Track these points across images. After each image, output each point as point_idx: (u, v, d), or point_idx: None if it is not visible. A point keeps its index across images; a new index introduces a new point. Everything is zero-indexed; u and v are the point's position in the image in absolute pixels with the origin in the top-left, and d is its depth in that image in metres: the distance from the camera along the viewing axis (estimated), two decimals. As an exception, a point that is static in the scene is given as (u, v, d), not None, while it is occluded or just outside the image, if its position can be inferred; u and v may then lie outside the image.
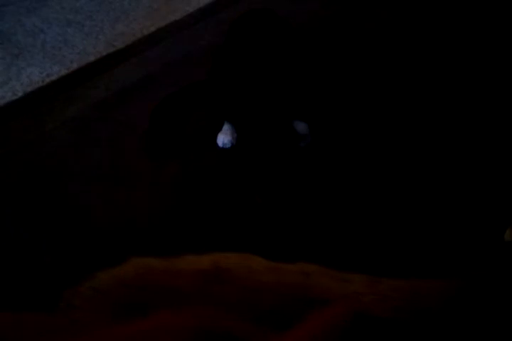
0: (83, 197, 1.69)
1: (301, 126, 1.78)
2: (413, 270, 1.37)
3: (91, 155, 1.80)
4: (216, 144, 1.81)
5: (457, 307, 0.83)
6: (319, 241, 1.53)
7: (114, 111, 1.92)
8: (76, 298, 0.90)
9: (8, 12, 2.23)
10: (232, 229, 1.58)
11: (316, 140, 1.80)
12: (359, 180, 1.70)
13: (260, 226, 1.59)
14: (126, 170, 1.76)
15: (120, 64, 2.08)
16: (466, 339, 0.79)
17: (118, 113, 1.91)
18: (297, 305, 0.83)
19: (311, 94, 1.75)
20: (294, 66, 1.63)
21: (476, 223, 1.55)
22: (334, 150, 1.79)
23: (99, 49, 2.11)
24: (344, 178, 1.71)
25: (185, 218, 1.62)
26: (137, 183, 1.72)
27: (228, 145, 1.80)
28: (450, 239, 1.51)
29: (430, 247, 1.50)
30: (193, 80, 1.91)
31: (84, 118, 1.90)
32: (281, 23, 1.63)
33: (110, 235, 1.56)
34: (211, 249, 0.96)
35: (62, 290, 0.92)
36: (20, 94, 1.95)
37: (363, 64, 2.09)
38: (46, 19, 2.20)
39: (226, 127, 1.81)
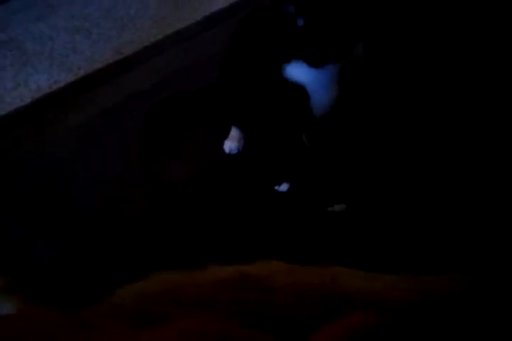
0: (89, 203, 1.69)
1: None
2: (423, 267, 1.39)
3: (98, 162, 1.81)
4: (222, 150, 1.82)
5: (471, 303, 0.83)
6: (335, 242, 1.55)
7: (121, 119, 1.93)
8: (96, 316, 0.88)
9: (17, 19, 2.25)
10: (247, 235, 1.59)
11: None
12: (363, 178, 1.73)
13: (275, 231, 1.60)
14: (133, 177, 1.77)
15: (128, 71, 2.09)
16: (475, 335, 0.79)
17: (125, 120, 1.91)
18: (328, 308, 0.83)
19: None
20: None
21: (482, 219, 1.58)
22: (338, 151, 1.81)
23: (107, 56, 2.12)
24: (350, 178, 1.73)
25: (198, 226, 1.63)
26: (145, 191, 1.73)
27: (235, 151, 1.81)
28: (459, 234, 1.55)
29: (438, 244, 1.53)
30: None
31: (91, 125, 1.90)
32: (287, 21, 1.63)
33: (125, 248, 1.57)
34: (232, 258, 0.96)
35: (80, 308, 0.90)
36: (28, 100, 1.97)
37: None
38: (54, 26, 2.22)
39: (233, 133, 1.82)
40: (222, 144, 1.82)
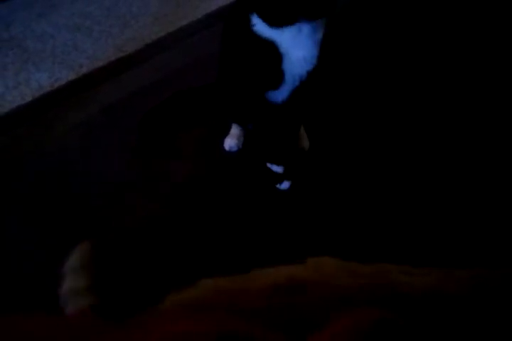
0: (90, 203, 1.69)
1: None
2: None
3: (98, 161, 1.80)
4: (223, 148, 1.82)
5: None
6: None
7: (123, 117, 1.92)
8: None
9: (18, 18, 2.25)
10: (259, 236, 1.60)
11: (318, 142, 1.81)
12: (363, 179, 1.73)
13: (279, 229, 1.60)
14: (133, 176, 1.77)
15: (129, 69, 2.09)
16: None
17: (127, 118, 1.91)
18: (386, 307, 0.82)
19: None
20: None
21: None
22: (337, 151, 1.80)
23: (109, 54, 2.12)
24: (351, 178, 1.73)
25: (202, 227, 1.63)
26: (148, 190, 1.73)
27: (235, 149, 1.81)
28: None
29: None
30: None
31: (92, 123, 1.90)
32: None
33: (127, 249, 1.56)
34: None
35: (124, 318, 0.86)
36: (29, 98, 1.96)
37: (362, 64, 2.10)
38: (56, 24, 2.22)
39: (233, 131, 1.82)
40: (222, 142, 1.82)
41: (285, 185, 1.69)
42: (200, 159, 1.80)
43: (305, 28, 1.38)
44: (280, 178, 1.70)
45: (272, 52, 1.43)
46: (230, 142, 1.80)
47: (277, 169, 1.72)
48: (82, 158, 1.80)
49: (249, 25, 1.41)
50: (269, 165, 1.73)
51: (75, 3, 2.30)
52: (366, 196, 1.69)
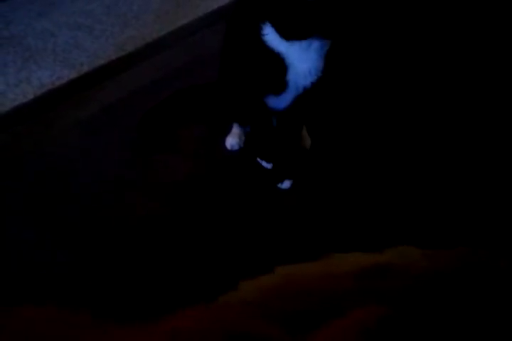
0: (90, 202, 1.69)
1: None
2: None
3: (98, 160, 1.80)
4: (224, 146, 1.82)
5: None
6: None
7: (123, 115, 1.92)
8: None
9: (19, 16, 2.24)
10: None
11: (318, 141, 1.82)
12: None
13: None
14: (133, 175, 1.76)
15: (130, 68, 2.09)
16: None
17: (127, 117, 1.91)
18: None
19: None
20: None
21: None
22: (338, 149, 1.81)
23: (109, 53, 2.11)
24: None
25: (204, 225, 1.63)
26: (148, 189, 1.73)
27: (236, 148, 1.81)
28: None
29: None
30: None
31: (93, 121, 1.90)
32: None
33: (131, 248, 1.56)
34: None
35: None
36: (30, 96, 1.96)
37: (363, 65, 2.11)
38: (56, 23, 2.22)
39: (234, 130, 1.82)
40: (223, 141, 1.82)
41: (286, 184, 1.69)
42: (201, 158, 1.81)
43: (315, 43, 1.40)
44: (278, 177, 1.70)
45: (278, 63, 1.45)
46: (232, 141, 1.81)
47: (267, 165, 1.73)
48: (82, 156, 1.80)
49: (258, 33, 1.42)
50: (259, 160, 1.74)
51: (76, 2, 2.30)
52: (368, 193, 1.70)
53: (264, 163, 1.74)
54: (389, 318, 0.77)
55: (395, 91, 2.02)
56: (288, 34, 1.36)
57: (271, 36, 1.41)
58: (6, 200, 1.67)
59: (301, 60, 1.45)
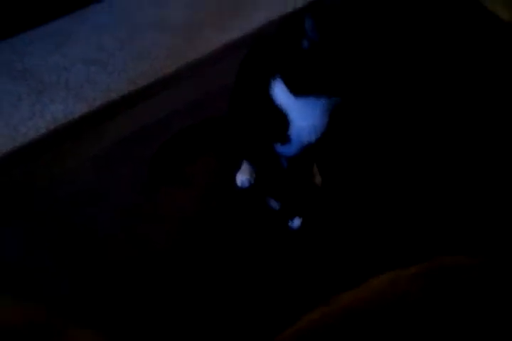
0: (102, 233, 1.71)
1: None
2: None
3: (114, 193, 1.82)
4: (234, 183, 1.83)
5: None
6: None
7: (136, 149, 1.94)
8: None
9: (33, 50, 2.28)
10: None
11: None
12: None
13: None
14: (150, 207, 1.79)
15: (143, 101, 2.11)
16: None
17: (141, 150, 1.92)
18: None
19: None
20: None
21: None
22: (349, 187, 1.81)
23: (122, 87, 2.14)
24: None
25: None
26: (163, 221, 1.75)
27: (246, 185, 1.82)
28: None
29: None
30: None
31: (106, 155, 1.92)
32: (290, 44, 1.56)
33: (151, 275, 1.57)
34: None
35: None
36: (43, 131, 1.99)
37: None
38: (70, 57, 2.25)
39: (244, 166, 1.83)
40: (234, 177, 1.83)
41: (296, 223, 1.70)
42: (211, 192, 1.82)
43: (322, 101, 1.40)
44: (288, 214, 1.71)
45: (281, 118, 1.45)
46: (242, 178, 1.82)
47: (274, 205, 1.74)
48: (93, 191, 1.82)
49: (267, 84, 1.42)
50: (267, 199, 1.76)
51: (89, 37, 2.33)
52: (380, 231, 1.70)
53: (272, 203, 1.75)
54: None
55: (404, 131, 2.03)
56: (298, 90, 1.37)
57: (278, 90, 1.41)
58: (22, 236, 1.68)
59: (304, 117, 1.45)
